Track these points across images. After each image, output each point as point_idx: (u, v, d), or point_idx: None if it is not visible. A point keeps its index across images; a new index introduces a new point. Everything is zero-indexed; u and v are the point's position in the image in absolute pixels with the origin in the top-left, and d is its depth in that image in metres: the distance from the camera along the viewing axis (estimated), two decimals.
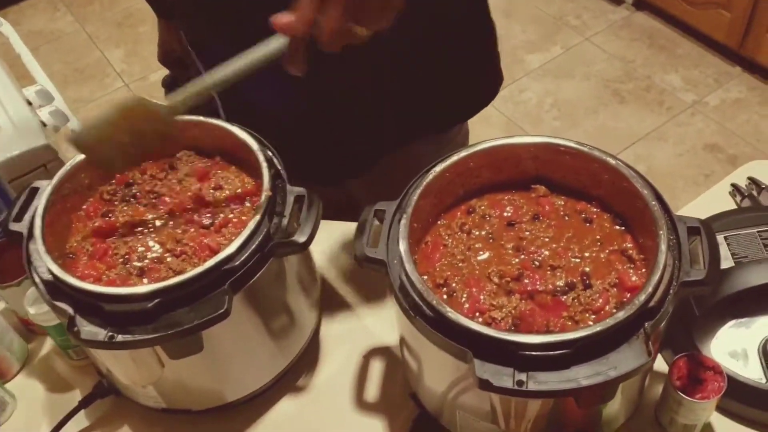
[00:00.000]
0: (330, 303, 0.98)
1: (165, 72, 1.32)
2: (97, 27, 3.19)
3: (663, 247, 0.68)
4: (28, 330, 0.99)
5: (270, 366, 0.87)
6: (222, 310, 0.71)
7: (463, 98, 1.10)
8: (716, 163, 2.28)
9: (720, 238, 0.90)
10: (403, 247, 0.71)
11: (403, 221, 0.73)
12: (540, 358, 0.63)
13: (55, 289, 0.76)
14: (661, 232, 0.69)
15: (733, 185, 1.03)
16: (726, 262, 0.87)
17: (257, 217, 0.76)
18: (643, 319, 0.65)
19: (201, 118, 0.88)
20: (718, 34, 2.51)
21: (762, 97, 2.46)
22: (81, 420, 0.90)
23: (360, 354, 0.92)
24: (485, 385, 0.63)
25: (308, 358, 0.92)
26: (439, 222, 0.81)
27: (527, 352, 0.63)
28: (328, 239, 1.03)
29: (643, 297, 0.65)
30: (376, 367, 0.91)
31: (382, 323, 0.94)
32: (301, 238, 0.76)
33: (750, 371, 0.82)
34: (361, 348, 0.93)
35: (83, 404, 0.89)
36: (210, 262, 0.73)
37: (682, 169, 2.29)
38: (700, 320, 0.84)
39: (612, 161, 0.76)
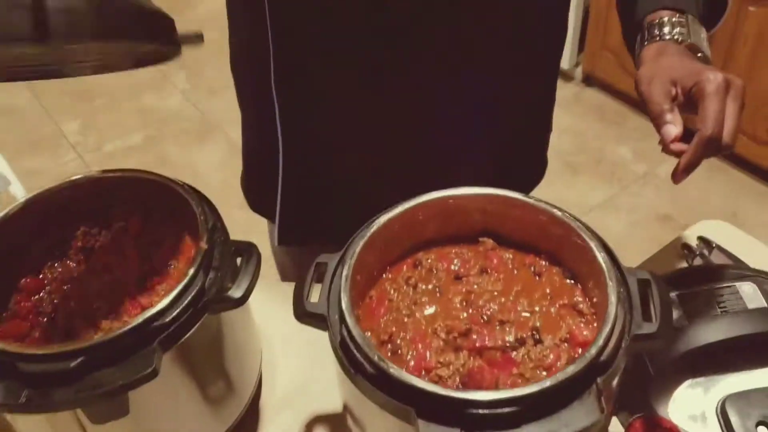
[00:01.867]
0: (272, 368, 0.93)
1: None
2: (54, 100, 3.17)
3: (613, 298, 0.66)
4: None
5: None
6: (149, 370, 0.66)
7: (509, 176, 0.96)
8: (670, 232, 2.31)
9: (672, 296, 0.88)
10: (344, 300, 0.67)
11: (344, 273, 0.70)
12: (488, 417, 0.60)
13: None
14: (610, 282, 0.67)
15: (684, 245, 1.02)
16: (679, 321, 0.85)
17: (191, 271, 0.72)
18: (595, 373, 0.62)
19: (137, 173, 0.85)
20: None
21: (709, 164, 2.51)
22: None
23: (303, 422, 0.87)
24: None
25: (247, 427, 0.87)
26: (384, 276, 0.78)
27: (475, 410, 0.60)
28: (271, 300, 0.99)
29: (594, 350, 0.62)
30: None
31: (327, 389, 0.89)
32: (236, 294, 0.72)
33: None
34: (305, 415, 0.87)
35: None
36: (138, 319, 0.68)
37: (635, 239, 2.30)
38: (656, 380, 0.81)
39: (558, 213, 0.74)
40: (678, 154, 0.73)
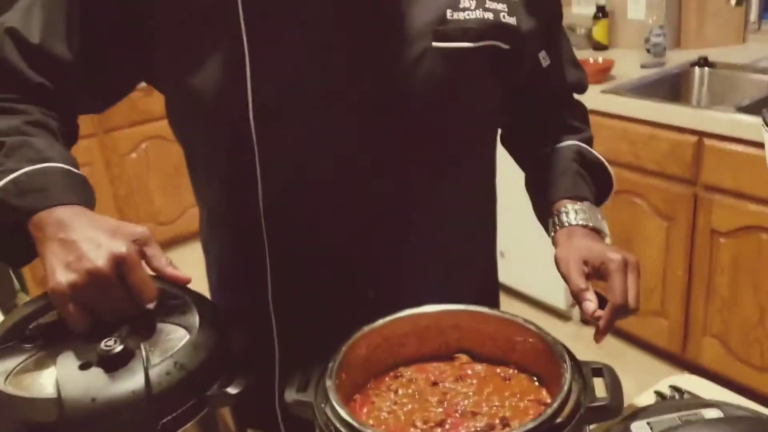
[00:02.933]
0: None
1: None
2: None
3: (567, 375, 0.74)
4: None
5: None
6: None
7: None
8: None
9: (643, 423, 0.94)
10: (329, 383, 0.76)
11: (330, 366, 0.79)
12: None
13: None
14: (565, 364, 0.76)
15: (657, 392, 1.08)
16: None
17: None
18: None
19: None
20: (660, 340, 2.67)
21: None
22: None
23: None
24: None
25: None
26: (368, 385, 0.86)
27: None
28: None
29: (549, 411, 0.69)
30: None
31: None
32: (233, 390, 0.80)
33: None
34: None
35: None
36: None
37: None
38: None
39: (521, 321, 0.85)
40: (597, 320, 0.88)
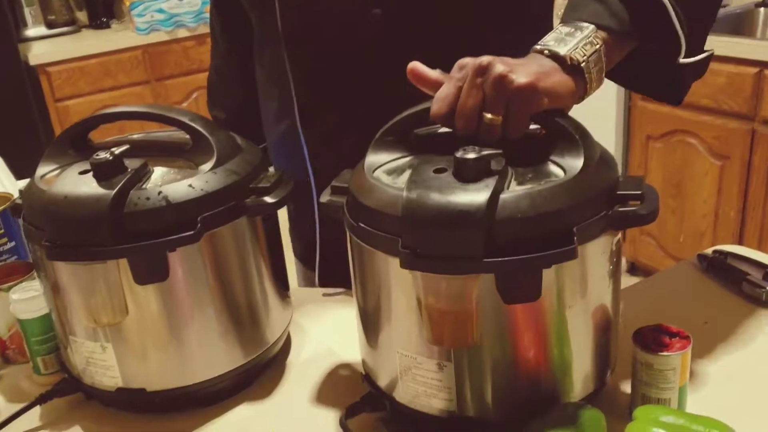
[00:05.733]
0: (301, 334, 1.00)
1: None
2: None
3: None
4: (2, 356, 0.99)
5: (229, 356, 0.86)
6: (192, 232, 0.76)
7: None
8: None
9: None
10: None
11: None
12: None
13: None
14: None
15: (699, 255, 1.07)
16: None
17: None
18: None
19: None
20: None
21: None
22: (33, 419, 0.88)
23: (325, 377, 0.91)
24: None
25: (273, 378, 0.92)
26: None
27: None
28: (307, 298, 1.08)
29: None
30: (342, 378, 0.90)
31: (349, 351, 0.93)
32: (271, 200, 0.83)
33: None
34: (327, 373, 0.92)
35: (41, 400, 0.87)
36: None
37: None
38: None
39: None
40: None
